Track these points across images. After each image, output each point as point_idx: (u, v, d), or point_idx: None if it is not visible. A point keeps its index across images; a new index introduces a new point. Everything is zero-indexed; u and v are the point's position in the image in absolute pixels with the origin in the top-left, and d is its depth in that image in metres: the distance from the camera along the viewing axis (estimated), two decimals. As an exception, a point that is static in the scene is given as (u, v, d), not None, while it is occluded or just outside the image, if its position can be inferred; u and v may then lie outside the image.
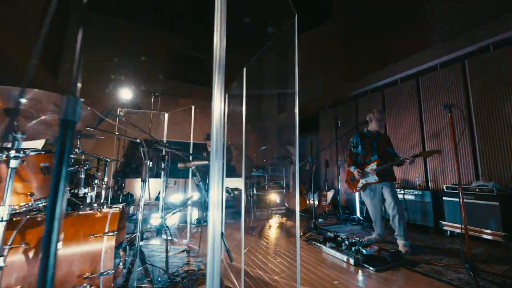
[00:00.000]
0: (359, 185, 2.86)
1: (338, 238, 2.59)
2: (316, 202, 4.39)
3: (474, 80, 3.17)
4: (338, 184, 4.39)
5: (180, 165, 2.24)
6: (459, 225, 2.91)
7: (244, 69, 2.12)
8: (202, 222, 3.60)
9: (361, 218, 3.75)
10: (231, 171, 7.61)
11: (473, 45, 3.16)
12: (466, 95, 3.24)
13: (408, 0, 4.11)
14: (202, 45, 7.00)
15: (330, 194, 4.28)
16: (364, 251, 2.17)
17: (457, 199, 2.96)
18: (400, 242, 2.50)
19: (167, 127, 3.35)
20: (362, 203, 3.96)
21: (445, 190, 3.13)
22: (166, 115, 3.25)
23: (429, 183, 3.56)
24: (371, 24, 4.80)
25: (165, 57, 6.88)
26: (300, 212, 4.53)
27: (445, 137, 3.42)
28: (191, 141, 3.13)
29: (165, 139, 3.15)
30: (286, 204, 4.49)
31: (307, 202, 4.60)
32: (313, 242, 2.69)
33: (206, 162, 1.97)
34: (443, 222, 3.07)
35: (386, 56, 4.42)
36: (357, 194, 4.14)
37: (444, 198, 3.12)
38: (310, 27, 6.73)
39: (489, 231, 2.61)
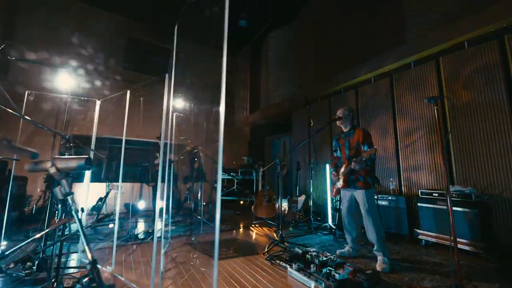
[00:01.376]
0: (334, 190, 2.53)
1: (307, 255, 2.15)
2: (286, 209, 3.98)
3: (448, 78, 3.01)
4: (310, 188, 4.02)
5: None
6: (434, 234, 2.67)
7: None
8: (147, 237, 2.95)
9: (333, 227, 3.40)
10: (200, 176, 6.94)
11: (448, 41, 3.00)
12: (440, 94, 3.07)
13: (382, -4, 3.94)
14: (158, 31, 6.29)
15: (301, 200, 3.89)
16: (336, 274, 1.75)
17: (433, 205, 2.73)
18: (378, 258, 2.14)
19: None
20: (334, 209, 3.63)
21: (419, 195, 2.90)
22: (98, 102, 2.56)
23: (403, 187, 3.33)
24: (344, 22, 4.58)
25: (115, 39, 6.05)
26: (268, 220, 4.08)
27: (419, 136, 3.22)
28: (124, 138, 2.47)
29: (94, 134, 2.45)
30: (253, 211, 4.00)
31: (277, 209, 4.17)
32: (278, 262, 2.22)
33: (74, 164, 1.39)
34: (418, 231, 2.82)
35: (360, 54, 4.20)
36: (329, 199, 3.81)
37: (419, 204, 2.89)
38: (281, 24, 6.40)
39: (467, 242, 2.38)
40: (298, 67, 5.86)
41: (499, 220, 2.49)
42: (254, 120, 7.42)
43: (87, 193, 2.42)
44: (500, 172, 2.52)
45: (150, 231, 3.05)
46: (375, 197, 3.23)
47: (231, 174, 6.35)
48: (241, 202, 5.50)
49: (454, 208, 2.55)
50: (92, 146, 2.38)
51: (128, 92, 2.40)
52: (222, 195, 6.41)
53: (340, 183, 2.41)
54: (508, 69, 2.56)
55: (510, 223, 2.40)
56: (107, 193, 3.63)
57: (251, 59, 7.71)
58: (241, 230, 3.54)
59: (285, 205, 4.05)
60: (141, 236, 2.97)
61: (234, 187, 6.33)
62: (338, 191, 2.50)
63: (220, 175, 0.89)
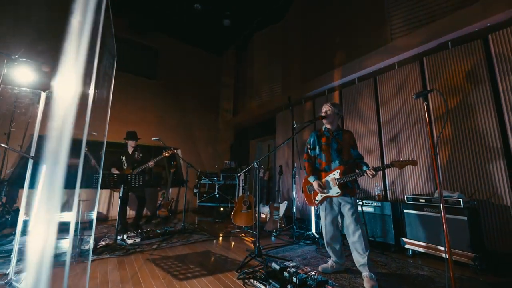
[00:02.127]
0: (318, 198, 2.23)
1: (285, 272, 1.89)
2: (268, 217, 3.70)
3: (433, 79, 2.91)
4: (293, 194, 3.78)
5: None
6: (421, 243, 2.50)
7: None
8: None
9: (316, 236, 3.17)
10: (178, 181, 6.52)
11: (431, 41, 2.90)
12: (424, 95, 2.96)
13: (366, -3, 3.85)
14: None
15: (282, 207, 3.63)
16: (316, 298, 1.50)
17: (420, 212, 2.56)
18: (365, 275, 1.91)
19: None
20: (317, 216, 3.40)
21: (405, 201, 2.74)
22: (43, 94, 2.17)
23: (388, 192, 3.17)
24: (328, 23, 4.47)
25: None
26: (248, 229, 3.79)
27: (404, 138, 3.09)
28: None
29: (36, 133, 2.07)
30: (232, 219, 3.69)
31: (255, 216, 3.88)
32: (251, 281, 1.93)
33: None
34: (404, 239, 2.65)
35: (344, 55, 4.08)
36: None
37: (405, 210, 2.72)
38: (266, 25, 6.24)
39: (457, 251, 2.21)
40: (283, 68, 5.69)
41: (488, 227, 2.35)
42: (239, 122, 7.15)
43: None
44: (488, 177, 2.40)
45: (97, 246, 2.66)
46: (360, 203, 3.05)
47: (212, 178, 6.02)
48: (221, 209, 5.16)
49: (440, 215, 2.39)
50: (33, 146, 2.00)
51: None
52: (202, 201, 6.05)
53: (335, 191, 2.08)
54: (493, 70, 2.48)
55: (500, 231, 2.27)
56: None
57: (237, 60, 7.48)
58: (217, 240, 3.21)
59: (266, 212, 3.78)
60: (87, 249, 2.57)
61: (216, 193, 5.99)
62: (324, 200, 2.22)
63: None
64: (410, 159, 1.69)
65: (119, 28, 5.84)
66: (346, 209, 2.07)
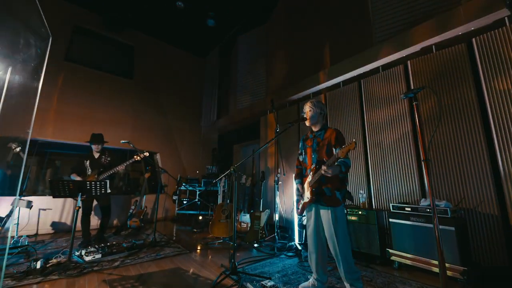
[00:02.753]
0: (300, 205, 2.05)
1: (260, 295, 1.64)
2: (248, 226, 3.45)
3: (417, 83, 2.83)
4: (275, 201, 3.57)
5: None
6: (408, 255, 2.34)
7: None
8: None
9: (299, 248, 2.95)
10: (157, 188, 6.10)
11: (415, 45, 2.84)
12: (409, 100, 2.88)
13: (349, 1, 3.79)
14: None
15: (264, 216, 3.39)
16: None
17: (406, 222, 2.42)
18: (347, 292, 1.70)
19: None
20: (300, 226, 3.19)
21: (391, 209, 2.59)
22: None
23: (372, 200, 3.03)
24: (313, 27, 4.38)
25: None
26: (227, 241, 3.51)
27: (389, 143, 2.97)
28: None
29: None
30: (209, 229, 3.40)
31: (237, 225, 3.62)
32: (221, 307, 1.67)
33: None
34: (390, 251, 2.49)
35: (328, 58, 3.98)
36: (295, 214, 3.38)
37: (390, 220, 2.57)
38: (251, 27, 6.09)
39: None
40: (266, 71, 5.53)
41: (475, 238, 2.24)
42: (222, 126, 6.89)
43: None
44: (474, 184, 2.31)
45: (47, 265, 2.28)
46: (345, 216, 2.88)
47: (193, 184, 5.68)
48: (200, 217, 4.84)
49: (427, 225, 2.26)
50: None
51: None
52: (182, 209, 5.68)
53: (307, 197, 1.94)
54: (477, 74, 2.42)
55: (488, 242, 2.16)
56: (11, 211, 2.76)
57: (220, 62, 7.26)
58: (191, 254, 2.91)
59: (247, 222, 3.53)
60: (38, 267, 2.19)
61: (197, 199, 5.66)
62: (304, 208, 2.03)
63: None
64: (349, 143, 1.55)
65: (93, 23, 5.48)
66: (323, 220, 1.87)
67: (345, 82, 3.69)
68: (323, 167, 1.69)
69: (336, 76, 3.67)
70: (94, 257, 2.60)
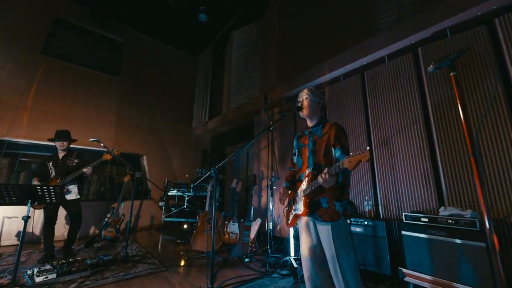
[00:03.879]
0: (290, 217, 1.65)
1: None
2: (237, 237, 3.02)
3: (430, 73, 2.45)
4: (267, 209, 3.15)
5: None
6: (427, 277, 1.92)
7: None
8: None
9: (295, 264, 2.51)
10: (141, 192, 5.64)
11: (426, 29, 2.48)
12: (421, 91, 2.50)
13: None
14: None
15: (255, 226, 2.96)
16: None
17: (423, 235, 2.00)
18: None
19: None
20: (296, 238, 2.77)
21: (403, 220, 2.18)
22: None
23: (380, 208, 2.62)
24: (309, 16, 4.04)
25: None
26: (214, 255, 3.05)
27: (398, 142, 2.58)
28: None
29: None
30: (191, 242, 2.96)
31: (225, 236, 3.17)
32: None
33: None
34: (403, 270, 2.06)
35: (327, 50, 3.62)
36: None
37: (403, 232, 2.15)
38: (245, 23, 5.75)
39: (476, 292, 1.65)
40: (261, 67, 5.17)
41: (507, 256, 1.83)
42: (215, 127, 6.48)
43: None
44: (504, 189, 1.91)
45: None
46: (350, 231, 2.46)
47: (182, 189, 5.24)
48: (185, 226, 4.39)
49: (449, 240, 1.85)
50: None
51: None
52: (169, 216, 5.22)
53: (299, 208, 1.53)
54: (502, 59, 2.05)
55: (529, 262, 1.75)
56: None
57: (213, 60, 6.91)
58: (166, 273, 2.46)
59: (236, 232, 3.09)
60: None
61: (185, 206, 5.21)
62: (295, 220, 1.63)
63: None
64: (361, 152, 1.14)
65: (77, 16, 5.12)
66: (322, 237, 1.46)
67: (346, 75, 3.32)
68: (323, 175, 1.28)
69: (336, 69, 3.30)
70: (47, 277, 2.15)
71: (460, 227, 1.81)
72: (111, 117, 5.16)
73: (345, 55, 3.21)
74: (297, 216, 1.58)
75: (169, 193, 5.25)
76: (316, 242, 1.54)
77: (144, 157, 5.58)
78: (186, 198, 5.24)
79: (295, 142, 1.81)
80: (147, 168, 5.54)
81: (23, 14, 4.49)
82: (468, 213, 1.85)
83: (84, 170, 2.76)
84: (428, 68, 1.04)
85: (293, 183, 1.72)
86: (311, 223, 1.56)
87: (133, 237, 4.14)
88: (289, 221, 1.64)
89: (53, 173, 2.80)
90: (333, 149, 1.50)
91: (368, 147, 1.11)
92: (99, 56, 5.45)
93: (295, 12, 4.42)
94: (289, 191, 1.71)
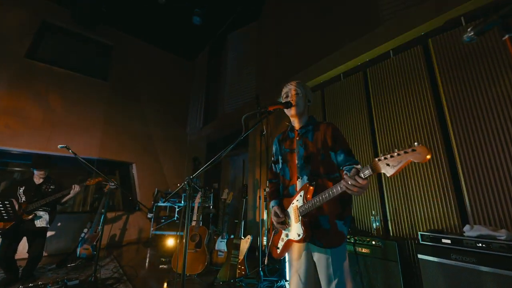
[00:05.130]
0: (279, 244, 1.30)
1: None
2: (224, 256, 2.64)
3: (443, 66, 2.13)
4: (263, 222, 2.78)
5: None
6: (452, 314, 1.53)
7: None
8: None
9: (290, 292, 2.13)
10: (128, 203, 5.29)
11: (437, 17, 2.17)
12: (434, 88, 2.17)
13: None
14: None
15: (245, 245, 2.58)
16: None
17: (446, 261, 1.63)
18: None
19: None
20: (293, 259, 2.38)
21: (419, 240, 1.81)
22: None
23: (389, 224, 2.24)
24: (305, 13, 3.78)
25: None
26: (197, 278, 2.61)
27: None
28: None
29: None
30: (171, 264, 2.59)
31: (213, 255, 2.79)
32: None
33: None
34: (422, 304, 1.68)
35: (326, 47, 3.33)
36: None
37: (420, 256, 1.78)
38: (241, 25, 5.53)
39: None
40: (257, 70, 4.90)
41: (557, 289, 1.44)
42: (210, 133, 6.18)
43: None
44: (546, 204, 1.54)
45: None
46: (352, 240, 2.09)
47: (172, 200, 4.88)
48: (169, 242, 4.01)
49: (484, 268, 1.47)
50: None
51: None
52: (159, 229, 4.84)
53: (296, 233, 1.15)
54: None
55: None
56: None
57: (209, 63, 6.68)
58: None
59: (224, 250, 2.72)
60: None
61: (175, 217, 4.85)
62: (287, 247, 1.27)
63: None
64: (405, 149, 0.79)
65: (64, 19, 4.90)
66: (319, 269, 1.13)
67: (346, 73, 3.01)
68: (358, 180, 0.89)
69: (336, 67, 3.00)
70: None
71: (494, 252, 1.44)
72: (98, 123, 4.87)
73: (345, 51, 2.91)
74: (290, 243, 1.23)
75: (159, 204, 4.90)
76: (311, 274, 1.19)
77: (134, 165, 5.26)
78: (177, 209, 4.88)
79: (274, 147, 1.50)
80: (137, 177, 5.21)
81: (8, 16, 4.30)
82: (502, 234, 1.48)
83: (57, 195, 2.48)
84: (464, 36, 0.71)
85: (280, 200, 1.39)
86: (305, 252, 1.21)
87: (115, 254, 3.76)
88: (279, 250, 1.29)
89: (23, 199, 2.48)
90: (331, 154, 1.21)
91: (416, 143, 0.79)
92: (87, 59, 5.22)
93: (291, 10, 4.17)
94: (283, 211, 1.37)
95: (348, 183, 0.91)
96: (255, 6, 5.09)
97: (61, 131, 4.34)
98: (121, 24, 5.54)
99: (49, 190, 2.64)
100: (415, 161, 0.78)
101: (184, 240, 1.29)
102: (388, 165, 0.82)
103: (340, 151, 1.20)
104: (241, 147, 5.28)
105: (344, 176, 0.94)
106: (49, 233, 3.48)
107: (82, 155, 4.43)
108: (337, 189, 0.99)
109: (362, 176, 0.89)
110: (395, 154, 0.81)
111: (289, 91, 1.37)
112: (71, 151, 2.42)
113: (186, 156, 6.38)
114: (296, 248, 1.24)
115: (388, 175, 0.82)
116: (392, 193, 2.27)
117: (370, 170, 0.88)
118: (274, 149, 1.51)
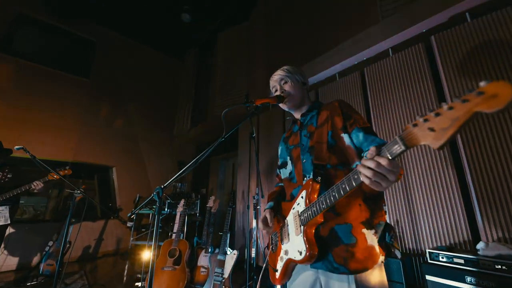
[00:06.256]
0: (279, 265, 0.98)
1: None
2: (207, 274, 2.34)
3: (448, 64, 1.96)
4: (248, 237, 2.51)
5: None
6: None
7: None
8: None
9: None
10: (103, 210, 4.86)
11: (440, 12, 2.01)
12: (438, 88, 2.00)
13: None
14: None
15: (230, 261, 2.28)
16: None
17: (460, 285, 1.41)
18: None
19: None
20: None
21: (427, 259, 1.58)
22: None
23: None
24: (299, 10, 3.61)
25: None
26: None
27: (410, 155, 2.03)
28: None
29: None
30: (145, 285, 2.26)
31: (196, 272, 2.49)
32: None
33: None
34: (433, 335, 1.44)
35: (319, 46, 3.15)
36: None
37: (428, 277, 1.55)
38: (231, 24, 5.31)
39: None
40: (247, 70, 4.68)
41: None
42: (198, 135, 5.87)
43: None
44: None
45: None
46: None
47: (154, 207, 4.52)
48: (145, 255, 3.64)
49: (505, 296, 1.25)
50: None
51: None
52: (139, 239, 4.47)
53: (297, 250, 0.86)
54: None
55: None
56: None
57: (198, 63, 6.41)
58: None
59: (207, 266, 2.42)
60: None
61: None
62: (290, 270, 0.98)
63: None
64: (464, 97, 0.42)
65: (45, 13, 4.55)
66: None
67: (342, 73, 2.82)
68: (374, 158, 0.60)
69: (331, 66, 2.81)
70: None
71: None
72: (74, 123, 4.49)
73: (340, 50, 2.72)
74: (292, 264, 0.94)
75: (141, 211, 4.53)
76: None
77: (114, 169, 4.87)
78: (160, 218, 4.52)
79: (280, 149, 1.24)
80: (117, 182, 4.83)
81: None
82: (526, 255, 1.27)
83: (33, 185, 2.13)
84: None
85: (276, 202, 1.15)
86: (312, 279, 0.91)
87: (87, 268, 3.38)
88: (279, 273, 1.00)
89: None
90: (344, 136, 0.91)
91: (483, 82, 0.43)
92: (66, 55, 4.85)
93: (283, 7, 3.99)
94: (278, 218, 1.10)
95: (366, 169, 0.60)
96: (247, 4, 4.90)
97: (33, 131, 3.95)
98: (105, 20, 5.21)
99: (6, 179, 2.26)
100: (485, 111, 0.42)
101: (150, 262, 1.00)
102: (431, 129, 0.49)
103: (355, 130, 0.88)
104: (231, 150, 5.01)
105: (361, 161, 0.63)
106: (8, 245, 3.09)
107: (55, 158, 4.05)
108: (350, 182, 0.68)
109: (388, 155, 0.58)
110: (445, 108, 0.46)
111: (276, 82, 1.12)
112: (29, 153, 2.08)
113: (173, 160, 6.04)
114: (301, 272, 0.96)
115: (433, 147, 0.48)
116: (393, 205, 2.06)
117: (400, 143, 0.55)
118: (279, 150, 1.23)
